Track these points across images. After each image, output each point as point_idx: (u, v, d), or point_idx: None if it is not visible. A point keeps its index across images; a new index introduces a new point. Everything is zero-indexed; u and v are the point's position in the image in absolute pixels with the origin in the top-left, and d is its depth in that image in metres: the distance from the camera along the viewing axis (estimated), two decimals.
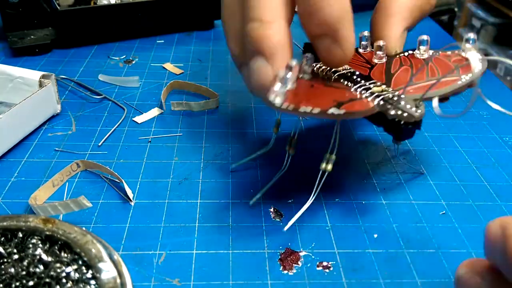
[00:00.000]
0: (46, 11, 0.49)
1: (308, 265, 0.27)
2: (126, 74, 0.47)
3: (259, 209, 0.31)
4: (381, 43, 0.35)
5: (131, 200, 0.31)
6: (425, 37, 0.35)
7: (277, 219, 0.30)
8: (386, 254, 0.28)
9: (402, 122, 0.28)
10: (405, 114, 0.28)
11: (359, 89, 0.31)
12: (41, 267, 0.22)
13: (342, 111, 0.27)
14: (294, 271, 0.27)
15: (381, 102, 0.29)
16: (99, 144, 0.36)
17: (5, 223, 0.24)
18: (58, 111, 0.40)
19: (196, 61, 0.50)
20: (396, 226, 0.30)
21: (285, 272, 0.27)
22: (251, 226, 0.30)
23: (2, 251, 0.23)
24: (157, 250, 0.28)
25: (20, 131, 0.36)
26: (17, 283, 0.21)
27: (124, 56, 0.50)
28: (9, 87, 0.39)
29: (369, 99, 0.30)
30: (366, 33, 0.36)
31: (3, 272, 0.22)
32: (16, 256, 0.22)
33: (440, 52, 0.36)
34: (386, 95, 0.30)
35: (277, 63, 0.27)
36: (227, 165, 0.35)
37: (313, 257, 0.28)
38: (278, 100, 0.26)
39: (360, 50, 0.37)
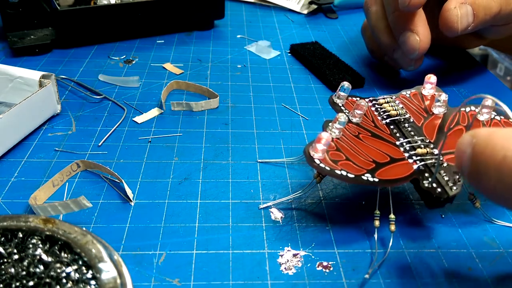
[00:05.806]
0: (46, 11, 0.49)
1: (308, 265, 0.27)
2: (126, 74, 0.47)
3: (259, 209, 0.31)
4: (443, 97, 0.33)
5: (131, 200, 0.31)
6: (489, 101, 0.32)
7: (277, 219, 0.30)
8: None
9: (434, 196, 0.27)
10: (439, 190, 0.27)
11: (403, 145, 0.30)
12: (41, 267, 0.22)
13: (376, 179, 0.27)
14: (294, 271, 0.27)
15: (421, 167, 0.28)
16: (99, 144, 0.36)
17: (5, 223, 0.24)
18: (58, 111, 0.40)
19: (196, 61, 0.50)
20: (396, 226, 0.30)
21: (285, 272, 0.27)
22: (251, 226, 0.30)
23: (2, 251, 0.23)
24: (157, 250, 0.28)
25: (20, 131, 0.36)
26: (17, 283, 0.21)
27: (124, 56, 0.50)
28: (9, 87, 0.39)
29: (411, 161, 0.29)
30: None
31: (3, 272, 0.22)
32: (16, 256, 0.22)
33: (502, 118, 0.33)
34: (429, 161, 0.29)
35: (419, 30, 0.40)
36: (227, 165, 0.35)
37: (313, 257, 0.28)
38: (317, 156, 0.27)
39: (424, 92, 0.36)
